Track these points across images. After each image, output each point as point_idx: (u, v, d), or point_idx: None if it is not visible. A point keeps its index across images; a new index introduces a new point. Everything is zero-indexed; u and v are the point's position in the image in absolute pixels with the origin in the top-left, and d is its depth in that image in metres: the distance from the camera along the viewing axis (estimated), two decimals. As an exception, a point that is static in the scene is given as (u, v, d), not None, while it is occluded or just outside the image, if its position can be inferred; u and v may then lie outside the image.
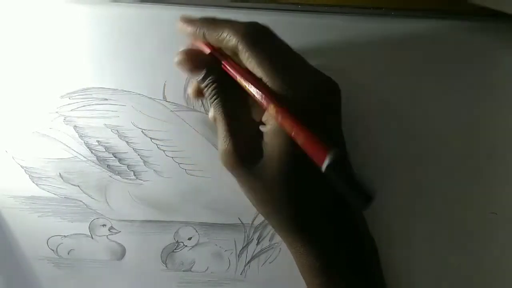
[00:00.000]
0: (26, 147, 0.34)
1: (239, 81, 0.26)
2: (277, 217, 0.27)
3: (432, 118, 0.32)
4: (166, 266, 0.35)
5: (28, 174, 0.34)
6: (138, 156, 0.34)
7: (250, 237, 0.34)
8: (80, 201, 0.35)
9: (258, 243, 0.34)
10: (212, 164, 0.34)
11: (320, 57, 0.33)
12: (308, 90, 0.25)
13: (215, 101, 0.27)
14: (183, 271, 0.35)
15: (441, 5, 0.31)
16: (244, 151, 0.26)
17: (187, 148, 0.34)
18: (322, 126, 0.25)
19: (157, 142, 0.34)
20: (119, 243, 0.35)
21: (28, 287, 0.36)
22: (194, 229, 0.35)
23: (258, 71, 0.25)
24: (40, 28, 0.33)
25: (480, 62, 0.32)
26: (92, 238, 0.35)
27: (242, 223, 0.34)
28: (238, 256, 0.35)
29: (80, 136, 0.34)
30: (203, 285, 0.35)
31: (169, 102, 0.33)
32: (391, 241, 0.33)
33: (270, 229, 0.34)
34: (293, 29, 0.32)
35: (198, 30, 0.28)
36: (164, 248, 0.35)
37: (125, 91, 0.33)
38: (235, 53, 0.27)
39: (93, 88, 0.34)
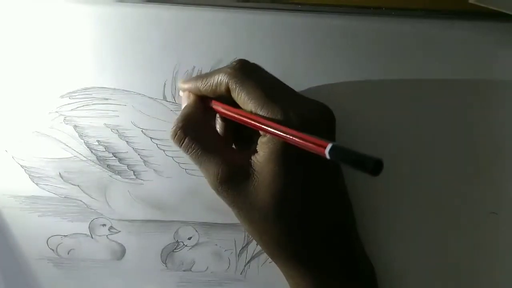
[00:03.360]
0: (26, 147, 0.34)
1: (230, 116, 0.27)
2: (273, 247, 0.28)
3: (431, 118, 0.32)
4: (166, 266, 0.35)
5: (28, 173, 0.34)
6: (138, 156, 0.34)
7: (250, 237, 0.34)
8: (80, 200, 0.35)
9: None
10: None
11: (320, 57, 0.33)
12: (303, 116, 0.25)
13: (193, 152, 0.28)
14: (183, 271, 0.35)
15: (441, 5, 0.31)
16: (230, 177, 0.27)
17: (187, 148, 0.33)
18: None
19: (157, 141, 0.34)
20: (119, 243, 0.35)
21: (27, 287, 0.36)
22: (194, 228, 0.34)
23: (249, 104, 0.26)
24: (41, 27, 0.33)
25: (480, 62, 0.32)
26: (92, 237, 0.35)
27: (242, 223, 0.34)
28: (238, 256, 0.35)
29: (80, 136, 0.34)
30: (203, 285, 0.35)
31: (169, 101, 0.33)
32: (390, 241, 0.33)
33: (270, 229, 0.34)
34: (293, 29, 0.32)
35: (194, 86, 0.29)
36: (164, 248, 0.35)
37: (125, 90, 0.33)
38: (231, 100, 0.28)
39: (93, 87, 0.34)
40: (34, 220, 0.35)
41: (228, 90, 0.27)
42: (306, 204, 0.26)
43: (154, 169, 0.34)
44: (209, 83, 0.28)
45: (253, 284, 0.35)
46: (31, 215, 0.35)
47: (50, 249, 0.35)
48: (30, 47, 0.33)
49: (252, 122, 0.25)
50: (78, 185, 0.34)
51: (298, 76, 0.33)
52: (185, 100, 0.30)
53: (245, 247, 0.34)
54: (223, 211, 0.34)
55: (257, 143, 0.27)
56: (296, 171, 0.26)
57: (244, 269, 0.35)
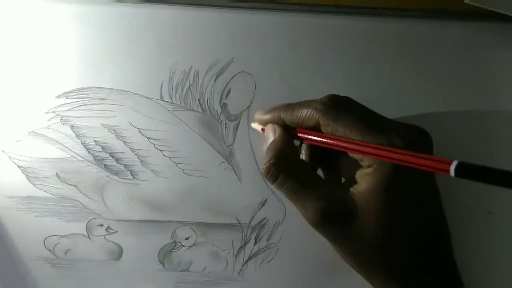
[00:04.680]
0: (23, 147, 0.34)
1: (330, 146, 0.26)
2: (381, 277, 0.27)
3: (431, 118, 0.32)
4: (164, 266, 0.35)
5: (25, 174, 0.34)
6: (135, 156, 0.34)
7: (247, 237, 0.34)
8: (77, 201, 0.34)
9: (255, 243, 0.34)
10: (209, 163, 0.34)
11: (317, 56, 0.33)
12: (406, 140, 0.25)
13: (288, 190, 0.27)
14: (181, 271, 0.35)
15: (438, 5, 0.32)
16: (332, 212, 0.26)
17: (184, 148, 0.34)
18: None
19: (154, 141, 0.33)
20: (116, 243, 0.35)
21: None
22: (192, 229, 0.34)
23: (349, 137, 0.26)
24: (38, 27, 0.33)
25: (478, 62, 0.32)
26: (89, 238, 0.35)
27: (240, 223, 0.34)
28: (236, 256, 0.35)
29: (77, 136, 0.34)
30: (200, 285, 0.35)
31: (166, 101, 0.33)
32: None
33: (267, 229, 0.34)
34: (291, 29, 0.32)
35: (277, 117, 0.29)
36: (161, 248, 0.35)
37: (122, 90, 0.33)
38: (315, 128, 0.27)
39: (90, 87, 0.33)
40: (31, 221, 0.35)
41: (316, 124, 0.27)
42: (417, 233, 0.26)
43: (151, 169, 0.34)
44: (295, 116, 0.28)
45: (251, 284, 0.35)
46: (28, 215, 0.35)
47: (47, 249, 0.35)
48: (27, 47, 0.33)
49: (361, 148, 0.24)
50: (75, 185, 0.34)
51: (295, 76, 0.33)
52: (270, 132, 0.29)
53: (242, 247, 0.34)
54: (220, 211, 0.34)
55: (353, 174, 0.27)
56: (405, 198, 0.26)
57: (241, 269, 0.35)
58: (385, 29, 0.32)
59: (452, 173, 0.19)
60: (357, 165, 0.27)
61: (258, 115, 0.31)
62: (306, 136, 0.28)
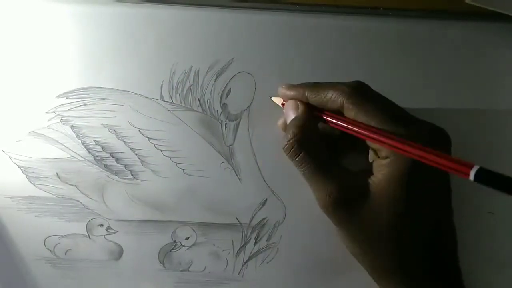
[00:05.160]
0: (23, 147, 0.34)
1: (351, 131, 0.26)
2: (380, 269, 0.27)
3: (430, 118, 0.32)
4: (164, 266, 0.35)
5: (25, 174, 0.34)
6: (136, 156, 0.34)
7: (247, 237, 0.34)
8: (78, 201, 0.35)
9: (255, 243, 0.34)
10: (210, 163, 0.34)
11: (317, 56, 0.33)
12: (425, 137, 0.25)
13: (305, 167, 0.27)
14: (181, 271, 0.35)
15: (438, 5, 0.32)
16: (344, 196, 0.26)
17: (185, 148, 0.34)
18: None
19: (155, 141, 0.34)
20: (116, 243, 0.35)
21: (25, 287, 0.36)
22: (192, 229, 0.34)
23: (372, 124, 0.26)
24: (38, 27, 0.33)
25: (478, 62, 0.32)
26: (89, 238, 0.35)
27: (240, 223, 0.34)
28: (236, 256, 0.35)
29: (78, 136, 0.34)
30: (200, 285, 0.35)
31: (166, 101, 0.33)
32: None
33: (267, 229, 0.34)
34: (291, 29, 0.32)
35: (302, 94, 0.29)
36: (161, 248, 0.35)
37: (123, 90, 0.33)
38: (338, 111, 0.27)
39: (90, 87, 0.33)
40: (31, 221, 0.35)
41: (340, 108, 0.27)
42: (425, 229, 0.26)
43: (151, 169, 0.34)
44: (320, 96, 0.28)
45: (251, 284, 0.35)
46: (28, 215, 0.35)
47: (48, 249, 0.35)
48: (27, 47, 0.33)
49: (383, 139, 0.24)
50: (75, 185, 0.34)
51: (295, 76, 0.33)
52: (292, 108, 0.29)
53: (242, 247, 0.34)
54: (221, 211, 0.34)
55: (370, 164, 0.27)
56: (418, 195, 0.26)
57: (241, 269, 0.35)
58: (385, 29, 0.32)
59: (471, 177, 0.19)
60: (374, 156, 0.27)
61: (283, 90, 0.30)
62: (331, 119, 0.28)
